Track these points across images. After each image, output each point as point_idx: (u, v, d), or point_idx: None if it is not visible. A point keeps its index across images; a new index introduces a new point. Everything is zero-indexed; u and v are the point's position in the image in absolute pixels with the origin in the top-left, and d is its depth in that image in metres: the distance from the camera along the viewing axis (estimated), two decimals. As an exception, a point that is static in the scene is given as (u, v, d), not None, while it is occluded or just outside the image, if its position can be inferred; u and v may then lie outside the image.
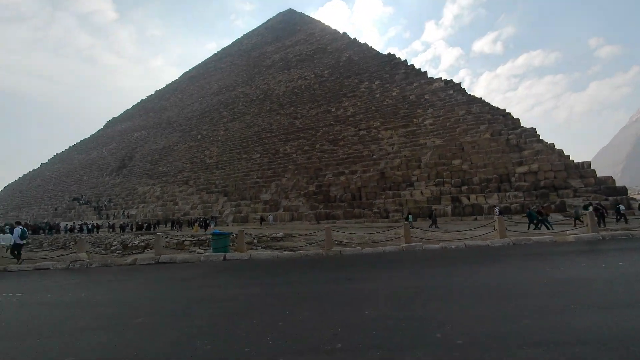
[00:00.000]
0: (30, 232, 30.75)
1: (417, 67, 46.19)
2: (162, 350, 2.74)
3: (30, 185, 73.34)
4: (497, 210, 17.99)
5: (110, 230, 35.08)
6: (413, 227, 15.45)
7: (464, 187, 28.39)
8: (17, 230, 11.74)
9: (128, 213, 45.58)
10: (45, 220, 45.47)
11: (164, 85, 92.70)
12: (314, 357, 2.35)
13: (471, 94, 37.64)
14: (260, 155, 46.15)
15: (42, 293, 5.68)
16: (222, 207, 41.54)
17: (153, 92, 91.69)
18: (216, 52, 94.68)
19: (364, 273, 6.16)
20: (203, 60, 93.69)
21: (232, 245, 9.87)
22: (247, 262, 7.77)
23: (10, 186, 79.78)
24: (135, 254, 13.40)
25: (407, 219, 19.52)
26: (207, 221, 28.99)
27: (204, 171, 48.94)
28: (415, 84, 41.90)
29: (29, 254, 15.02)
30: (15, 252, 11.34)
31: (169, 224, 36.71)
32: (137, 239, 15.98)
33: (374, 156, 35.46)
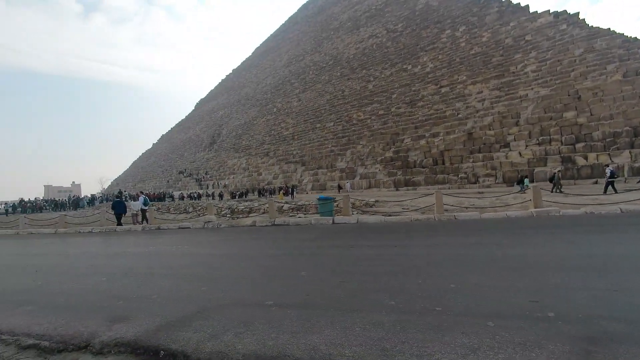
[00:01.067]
0: (155, 199, 37.67)
1: (513, 1, 38.44)
2: (347, 300, 2.92)
3: (147, 161, 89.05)
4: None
5: (211, 198, 40.56)
6: (524, 192, 13.62)
7: (580, 145, 23.70)
8: (141, 198, 14.50)
9: (224, 183, 51.83)
10: (161, 190, 54.93)
11: (239, 64, 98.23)
12: (530, 324, 2.18)
13: (593, 26, 29.90)
14: (333, 124, 46.18)
15: (200, 247, 6.87)
16: (301, 175, 43.70)
17: (231, 71, 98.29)
18: (283, 22, 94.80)
19: (504, 239, 5.58)
20: (272, 33, 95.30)
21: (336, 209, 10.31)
22: (357, 225, 7.99)
23: (134, 163, 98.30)
24: (243, 217, 15.16)
25: (520, 182, 17.21)
26: (292, 189, 30.95)
27: (281, 142, 51.63)
28: (512, 24, 35.20)
29: (162, 216, 18.39)
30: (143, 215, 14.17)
31: (256, 192, 40.58)
32: (241, 205, 17.91)
33: (460, 115, 31.96)
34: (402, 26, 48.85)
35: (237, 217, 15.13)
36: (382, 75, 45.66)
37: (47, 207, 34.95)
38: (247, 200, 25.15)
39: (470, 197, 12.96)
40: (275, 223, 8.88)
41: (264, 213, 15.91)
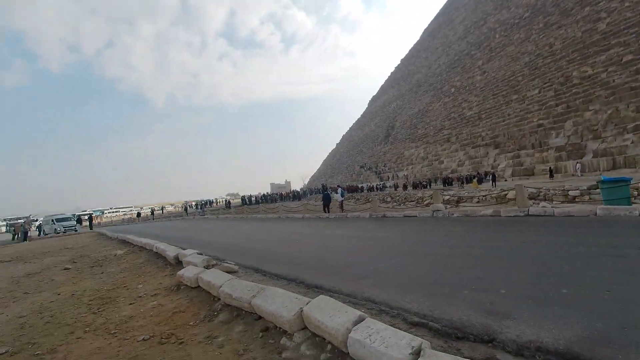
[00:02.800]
0: (350, 191, 42.73)
1: None
2: None
3: (334, 159, 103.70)
4: None
5: (393, 188, 41.57)
6: None
7: None
8: (339, 190, 17.63)
9: (404, 174, 52.17)
10: (347, 183, 61.79)
11: (407, 52, 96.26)
12: None
13: None
14: (539, 91, 36.45)
15: (457, 238, 6.20)
16: (495, 160, 37.20)
17: (399, 62, 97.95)
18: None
19: None
20: (442, 7, 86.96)
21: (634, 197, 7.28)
22: None
23: (324, 162, 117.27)
24: (452, 207, 13.98)
25: None
26: (492, 176, 26.68)
27: (465, 125, 46.05)
28: None
29: (364, 205, 19.99)
30: (342, 206, 16.57)
31: (439, 182, 37.83)
32: (445, 195, 16.76)
33: None
34: None
35: (446, 207, 14.16)
36: (625, 5, 31.65)
37: (278, 199, 47.32)
38: (443, 189, 23.63)
39: None
40: (530, 213, 7.14)
41: (478, 202, 14.09)
